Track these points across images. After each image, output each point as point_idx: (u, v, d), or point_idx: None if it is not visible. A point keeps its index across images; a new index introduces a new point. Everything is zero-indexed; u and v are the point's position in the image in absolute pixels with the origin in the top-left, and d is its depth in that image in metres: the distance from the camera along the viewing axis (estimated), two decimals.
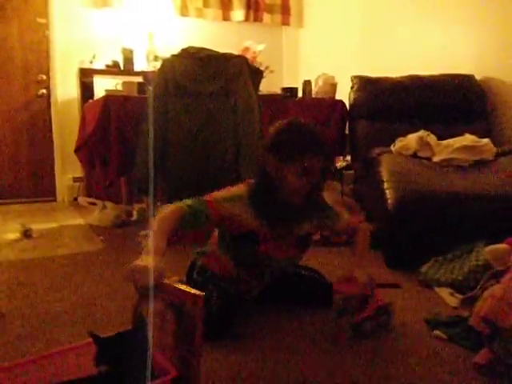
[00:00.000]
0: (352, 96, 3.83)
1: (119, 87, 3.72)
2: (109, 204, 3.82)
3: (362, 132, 3.72)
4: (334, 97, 3.90)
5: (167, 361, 1.24)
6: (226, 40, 4.84)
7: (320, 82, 3.93)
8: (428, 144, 2.99)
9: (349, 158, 4.43)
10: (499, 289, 1.43)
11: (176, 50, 3.38)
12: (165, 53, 4.85)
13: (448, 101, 3.51)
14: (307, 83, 3.91)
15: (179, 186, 2.97)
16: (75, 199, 4.85)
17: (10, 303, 2.06)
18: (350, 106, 3.84)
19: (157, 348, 1.26)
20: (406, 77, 3.72)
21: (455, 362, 1.54)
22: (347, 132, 3.88)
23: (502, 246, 2.12)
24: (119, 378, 1.14)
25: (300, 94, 3.91)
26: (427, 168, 2.77)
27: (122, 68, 4.83)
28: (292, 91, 3.81)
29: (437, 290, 2.18)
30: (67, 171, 4.92)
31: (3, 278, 2.41)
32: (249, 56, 3.53)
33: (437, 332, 1.72)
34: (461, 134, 3.13)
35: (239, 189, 1.76)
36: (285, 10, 5.75)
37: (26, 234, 3.27)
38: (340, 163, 4.60)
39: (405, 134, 3.29)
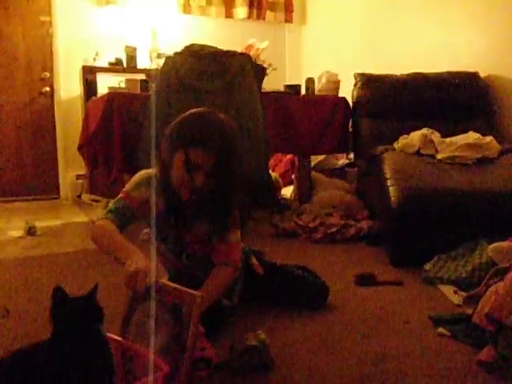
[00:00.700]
0: (355, 93, 3.83)
1: (122, 85, 3.72)
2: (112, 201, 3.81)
3: (365, 129, 3.71)
4: (337, 94, 3.89)
5: (160, 357, 1.24)
6: (229, 37, 4.84)
7: (323, 80, 3.92)
8: (431, 141, 2.99)
9: (351, 155, 4.43)
10: (503, 286, 1.43)
11: (179, 48, 3.37)
12: (168, 50, 4.85)
13: (452, 98, 3.50)
14: (310, 80, 3.90)
15: None
16: (78, 196, 4.85)
17: (15, 300, 2.06)
18: (353, 103, 3.83)
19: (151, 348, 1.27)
20: (410, 74, 3.71)
21: (459, 359, 1.54)
22: (350, 129, 3.86)
23: (506, 243, 2.12)
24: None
25: (303, 92, 3.90)
26: (431, 165, 2.77)
27: (125, 66, 4.83)
28: (295, 88, 3.80)
29: (440, 287, 2.18)
30: (70, 168, 4.93)
31: (8, 275, 2.42)
32: (252, 53, 3.52)
33: (440, 329, 1.72)
34: (464, 131, 3.13)
35: (147, 172, 1.70)
36: (287, 8, 5.75)
37: (30, 231, 3.27)
38: (342, 161, 4.61)
39: (408, 132, 3.29)
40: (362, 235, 3.05)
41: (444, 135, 3.10)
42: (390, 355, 1.58)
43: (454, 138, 2.97)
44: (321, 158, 4.36)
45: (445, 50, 3.94)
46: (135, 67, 4.83)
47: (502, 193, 2.48)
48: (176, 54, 3.17)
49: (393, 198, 2.52)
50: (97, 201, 4.18)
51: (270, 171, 3.83)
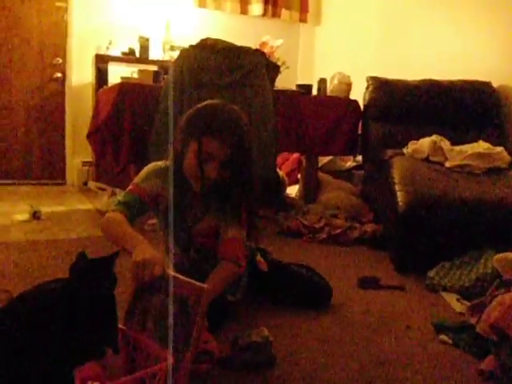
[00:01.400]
0: (367, 96, 3.82)
1: (135, 75, 3.72)
2: (118, 191, 3.83)
3: (374, 133, 3.70)
4: (348, 96, 3.88)
5: (163, 349, 1.24)
6: (243, 34, 4.83)
7: (335, 81, 3.91)
8: (441, 149, 2.98)
9: (359, 158, 4.43)
10: (509, 297, 1.43)
11: (192, 41, 3.37)
12: (181, 43, 4.86)
13: (463, 107, 3.49)
14: (322, 81, 3.89)
15: None
16: (84, 184, 4.86)
17: (19, 284, 2.07)
18: (364, 106, 3.83)
19: (155, 339, 1.28)
20: (422, 80, 3.71)
21: (460, 368, 1.55)
22: (359, 132, 3.86)
23: (511, 254, 2.12)
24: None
25: (315, 92, 3.90)
26: (439, 173, 2.76)
27: (137, 56, 4.83)
28: (307, 88, 3.80)
29: (443, 294, 2.18)
30: (77, 155, 4.94)
31: (12, 259, 2.42)
32: (266, 51, 3.51)
33: (442, 336, 1.72)
34: (474, 140, 3.13)
35: (156, 164, 1.71)
36: (303, 7, 5.73)
37: (35, 215, 3.28)
38: (350, 163, 4.61)
39: (418, 138, 3.28)
40: (365, 238, 3.05)
41: (454, 143, 3.10)
42: (391, 359, 1.58)
43: (463, 147, 2.97)
44: (328, 158, 4.36)
45: (459, 57, 3.93)
46: (148, 58, 4.83)
47: (510, 204, 2.47)
48: (191, 46, 3.17)
49: (400, 203, 2.52)
50: (103, 189, 4.18)
51: (277, 169, 3.82)
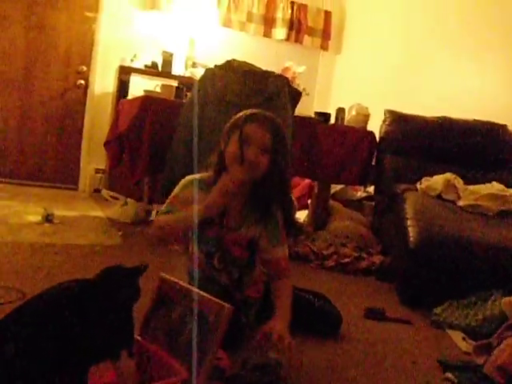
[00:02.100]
0: (383, 129, 3.87)
1: (157, 89, 3.79)
2: (130, 201, 3.87)
3: (388, 166, 3.74)
4: (365, 127, 3.93)
5: (178, 363, 1.27)
6: (265, 56, 4.92)
7: (353, 112, 3.96)
8: (454, 187, 3.01)
9: (369, 189, 4.46)
10: None
11: (215, 59, 3.44)
12: (203, 60, 4.96)
13: (478, 147, 3.54)
14: (341, 110, 3.95)
15: None
16: (96, 190, 4.91)
17: (30, 284, 2.09)
18: (380, 138, 3.87)
19: (168, 350, 1.30)
20: (439, 117, 3.76)
21: None
22: (373, 164, 3.90)
23: None
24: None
25: (332, 121, 3.95)
26: (452, 211, 2.79)
27: (159, 70, 4.92)
28: (325, 116, 3.85)
29: (449, 332, 2.19)
30: (92, 162, 5.00)
31: (24, 259, 2.46)
32: (288, 76, 3.57)
33: (448, 374, 1.73)
34: (488, 181, 3.16)
35: (193, 176, 1.78)
36: (325, 35, 5.83)
37: (48, 218, 3.31)
38: (360, 193, 4.64)
39: (431, 174, 3.32)
40: (373, 269, 3.06)
41: (467, 183, 3.13)
42: None
43: (477, 187, 3.00)
44: (340, 187, 4.39)
45: (477, 97, 3.99)
46: (170, 73, 4.92)
47: None
48: (216, 67, 3.23)
49: (411, 239, 2.54)
50: (116, 198, 4.22)
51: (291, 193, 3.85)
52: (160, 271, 1.49)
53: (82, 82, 4.89)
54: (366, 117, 3.98)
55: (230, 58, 3.27)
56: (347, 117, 3.99)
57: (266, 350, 1.50)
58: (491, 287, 2.36)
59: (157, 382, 1.23)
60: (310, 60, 5.76)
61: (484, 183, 3.13)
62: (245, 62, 3.26)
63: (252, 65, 3.25)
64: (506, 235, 2.56)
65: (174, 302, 1.33)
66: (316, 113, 3.92)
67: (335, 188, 4.31)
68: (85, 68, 4.88)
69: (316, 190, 4.00)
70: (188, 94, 3.52)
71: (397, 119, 3.83)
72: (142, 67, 4.90)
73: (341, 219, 3.74)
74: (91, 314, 1.16)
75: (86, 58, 4.88)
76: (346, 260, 3.06)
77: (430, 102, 4.34)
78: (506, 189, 2.99)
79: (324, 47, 5.87)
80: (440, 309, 2.32)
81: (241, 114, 1.73)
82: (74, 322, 1.14)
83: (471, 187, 3.01)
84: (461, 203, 2.91)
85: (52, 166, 4.93)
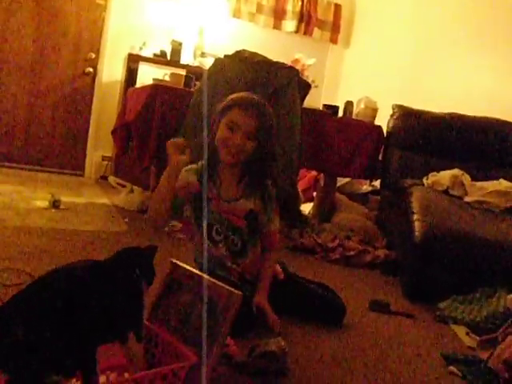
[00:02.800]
0: (391, 124, 3.87)
1: (166, 77, 3.79)
2: (136, 188, 3.88)
3: (395, 160, 3.75)
4: (373, 121, 3.92)
5: (187, 348, 1.27)
6: (274, 48, 4.89)
7: (362, 105, 3.96)
8: (461, 183, 3.02)
9: (375, 183, 4.46)
10: None
11: (224, 50, 3.43)
12: (212, 50, 4.95)
13: (487, 144, 3.53)
14: (349, 104, 3.95)
15: None
16: (101, 177, 4.93)
17: (38, 267, 2.11)
18: (388, 133, 3.87)
19: (177, 336, 1.31)
20: (448, 114, 3.75)
21: None
22: (380, 158, 3.89)
23: None
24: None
25: (340, 113, 3.95)
26: (458, 207, 2.80)
27: (168, 58, 4.92)
28: (333, 109, 3.85)
29: (453, 327, 2.20)
30: (98, 149, 5.01)
31: (32, 243, 2.47)
32: (298, 68, 3.57)
33: (452, 368, 1.74)
34: (496, 178, 3.16)
35: (191, 165, 1.89)
36: (335, 28, 5.81)
37: (55, 204, 3.33)
38: (366, 187, 4.64)
39: (438, 170, 3.33)
40: (377, 263, 3.07)
41: (474, 179, 3.13)
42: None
43: (484, 183, 3.00)
44: (346, 180, 4.39)
45: (488, 95, 3.97)
46: (178, 62, 4.92)
47: None
48: (226, 56, 3.24)
49: (417, 233, 2.55)
50: (122, 185, 4.23)
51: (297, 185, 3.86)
52: (167, 258, 1.51)
53: (91, 69, 4.89)
54: (375, 111, 3.97)
55: (239, 49, 3.28)
56: (355, 110, 3.98)
57: (267, 343, 1.52)
58: (496, 283, 2.36)
59: (165, 366, 1.24)
60: (318, 53, 5.73)
61: (491, 180, 3.12)
62: (255, 53, 3.27)
63: (262, 55, 3.25)
64: (510, 231, 2.56)
65: (183, 287, 1.34)
66: (324, 105, 3.92)
67: (341, 181, 4.32)
68: (93, 55, 4.88)
69: (322, 183, 4.00)
70: (197, 83, 3.52)
71: (405, 114, 3.83)
72: (151, 56, 4.90)
73: (346, 212, 3.75)
74: (102, 294, 1.17)
75: (95, 45, 4.89)
76: (351, 253, 3.07)
77: (440, 97, 4.32)
78: None
79: (333, 40, 5.86)
80: (444, 303, 2.33)
81: (230, 97, 1.85)
82: (84, 301, 1.15)
83: (478, 184, 3.01)
84: (468, 199, 2.91)
85: (59, 152, 4.95)
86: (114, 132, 3.92)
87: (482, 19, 4.21)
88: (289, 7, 5.54)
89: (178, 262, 1.43)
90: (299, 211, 3.82)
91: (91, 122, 4.98)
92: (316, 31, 5.70)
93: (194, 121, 3.05)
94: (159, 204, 1.74)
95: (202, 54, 5.09)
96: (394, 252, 3.12)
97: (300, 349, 1.74)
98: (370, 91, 4.41)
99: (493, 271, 2.44)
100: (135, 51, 4.84)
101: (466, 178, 3.07)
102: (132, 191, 3.87)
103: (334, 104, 4.03)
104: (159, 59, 4.89)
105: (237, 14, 5.36)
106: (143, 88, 3.65)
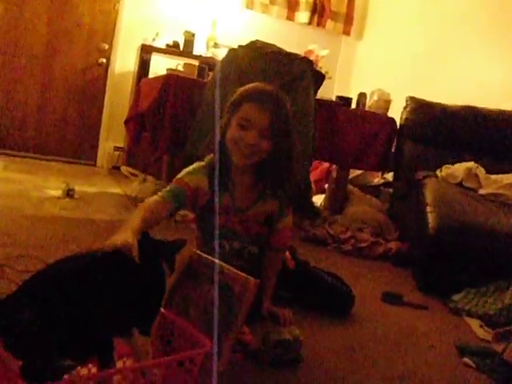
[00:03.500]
0: (404, 116, 3.84)
1: (179, 67, 3.79)
2: (149, 178, 3.90)
3: (408, 153, 3.73)
4: (386, 113, 3.90)
5: (202, 335, 1.27)
6: (287, 40, 4.85)
7: (375, 97, 3.93)
8: (476, 176, 2.99)
9: (387, 175, 4.44)
10: None
11: (237, 41, 3.41)
12: (225, 41, 4.93)
13: (502, 137, 3.50)
14: (362, 95, 3.93)
15: None
16: (114, 167, 4.95)
17: (52, 254, 2.11)
18: (401, 125, 3.85)
19: (193, 322, 1.31)
20: (463, 106, 3.72)
21: None
22: (393, 150, 3.88)
23: None
24: None
25: (353, 105, 3.93)
26: (472, 199, 2.78)
27: (181, 49, 4.91)
28: (346, 101, 3.83)
29: (466, 319, 2.20)
30: (110, 140, 5.03)
31: (46, 232, 2.49)
32: (312, 59, 3.55)
33: (466, 359, 1.74)
34: (510, 171, 3.13)
35: (198, 163, 1.73)
36: (348, 20, 5.77)
37: (69, 193, 3.34)
38: (377, 179, 4.62)
39: (451, 162, 3.30)
40: (390, 255, 3.07)
41: (488, 172, 3.11)
42: (414, 375, 1.61)
43: (499, 176, 2.98)
44: (358, 172, 4.37)
45: (503, 87, 3.93)
46: (191, 52, 4.91)
47: None
48: (240, 47, 3.22)
49: (430, 225, 2.54)
50: (135, 175, 4.25)
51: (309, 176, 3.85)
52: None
53: (104, 60, 4.90)
54: (388, 103, 3.95)
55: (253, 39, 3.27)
56: (368, 102, 3.96)
57: (281, 332, 1.52)
58: (510, 276, 2.35)
59: (181, 353, 1.24)
60: (331, 45, 5.67)
61: (506, 173, 3.10)
62: (269, 43, 3.26)
63: (277, 46, 3.24)
64: None
65: (200, 275, 1.34)
66: (337, 97, 3.90)
67: (353, 173, 4.30)
68: (106, 46, 4.88)
69: (334, 175, 4.00)
70: (210, 73, 3.52)
71: (419, 106, 3.80)
72: (164, 46, 4.89)
73: (358, 204, 3.74)
74: (122, 283, 1.15)
75: (109, 36, 4.89)
76: (363, 245, 3.06)
77: (454, 90, 4.28)
78: None
79: (346, 32, 5.81)
80: (458, 296, 2.33)
81: (241, 90, 1.69)
82: (101, 289, 1.14)
83: (493, 176, 2.99)
84: (482, 192, 2.89)
85: (71, 141, 4.97)
86: (126, 122, 3.93)
87: (497, 10, 4.16)
88: None
89: (194, 250, 1.43)
90: (311, 202, 3.81)
91: (104, 112, 4.99)
92: (329, 23, 5.66)
93: (208, 112, 3.05)
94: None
95: (215, 45, 5.07)
96: (406, 244, 3.11)
97: (312, 338, 1.74)
98: (383, 83, 4.38)
99: (507, 264, 2.42)
100: (148, 42, 4.83)
101: (481, 171, 3.05)
102: (145, 180, 3.88)
103: (347, 96, 4.01)
104: (172, 50, 4.89)
105: (250, 4, 5.34)
106: (157, 78, 3.66)
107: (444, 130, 3.67)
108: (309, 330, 1.81)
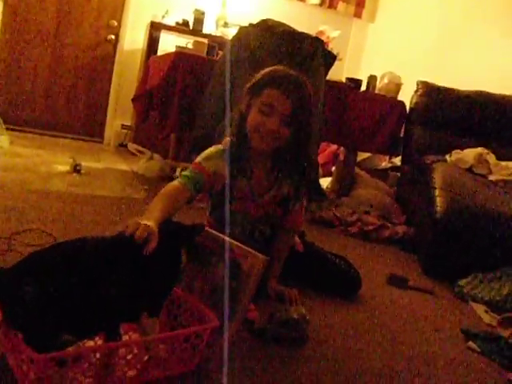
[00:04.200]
0: (414, 100, 3.81)
1: (189, 45, 3.76)
2: (156, 156, 3.89)
3: (417, 137, 3.71)
4: (396, 97, 3.87)
5: (209, 310, 1.28)
6: (298, 20, 4.76)
7: (385, 80, 3.90)
8: (486, 162, 2.97)
9: (394, 159, 4.42)
10: None
11: (247, 21, 3.37)
12: (235, 21, 4.88)
13: None
14: (373, 78, 3.89)
15: None
16: (121, 145, 4.94)
17: (61, 230, 2.13)
18: (410, 109, 3.82)
19: (201, 298, 1.32)
20: (473, 91, 3.68)
21: (486, 375, 1.57)
22: (402, 134, 3.85)
23: None
24: None
25: (363, 88, 3.89)
26: (482, 185, 2.76)
27: (190, 28, 4.87)
28: (356, 83, 3.79)
29: (472, 304, 2.19)
30: (118, 117, 5.02)
31: (55, 207, 2.49)
32: (323, 40, 3.51)
33: (471, 343, 1.74)
34: None
35: (217, 146, 1.72)
36: (360, 2, 5.71)
37: (76, 168, 3.34)
38: (385, 163, 4.60)
39: (460, 147, 3.29)
40: (396, 239, 3.06)
41: (499, 158, 3.08)
42: (418, 356, 1.61)
43: (510, 163, 2.96)
44: (366, 155, 4.36)
45: None
46: (201, 31, 4.87)
47: None
48: (250, 25, 3.19)
49: (438, 209, 2.53)
50: (142, 152, 4.24)
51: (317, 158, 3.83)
52: None
53: (113, 36, 4.87)
54: (398, 86, 3.91)
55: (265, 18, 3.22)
56: (379, 85, 3.93)
57: (287, 310, 1.52)
58: None
59: (188, 328, 1.24)
60: (342, 27, 5.59)
61: None
62: (280, 22, 3.22)
63: (288, 26, 3.20)
64: None
65: (209, 251, 1.34)
66: (347, 78, 3.86)
67: (361, 156, 4.28)
68: (115, 23, 4.84)
69: (342, 157, 3.98)
70: (220, 52, 3.48)
71: (429, 91, 3.77)
72: (173, 24, 4.85)
73: (365, 187, 3.72)
74: (134, 266, 1.15)
75: (118, 12, 4.85)
76: (370, 227, 3.05)
77: (465, 75, 4.24)
78: None
79: (358, 15, 5.75)
80: (464, 281, 2.32)
81: (262, 73, 1.65)
82: (110, 270, 1.12)
83: (503, 163, 2.97)
84: (492, 178, 2.87)
85: (79, 118, 4.96)
86: (134, 99, 3.92)
87: None
88: None
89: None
90: (318, 184, 3.80)
91: (111, 89, 4.98)
92: (341, 5, 5.61)
93: (218, 91, 3.03)
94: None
95: (225, 24, 5.03)
96: (413, 229, 3.10)
97: (318, 318, 1.74)
98: (393, 66, 4.34)
99: None
100: (157, 19, 4.80)
101: (491, 157, 3.02)
102: (152, 158, 3.88)
103: (357, 78, 3.97)
104: (181, 28, 4.85)
105: None
106: (166, 55, 3.63)
107: (454, 115, 3.64)
108: (315, 310, 1.81)
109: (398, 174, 4.04)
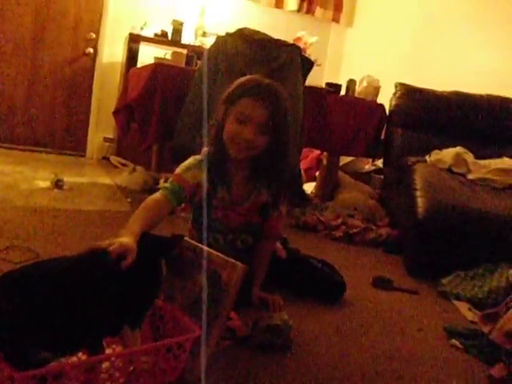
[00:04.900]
0: (393, 102, 3.85)
1: (168, 56, 3.77)
2: (139, 168, 3.88)
3: (397, 139, 3.74)
4: (375, 100, 3.91)
5: (191, 320, 1.28)
6: (276, 27, 4.84)
7: (364, 83, 3.94)
8: (464, 161, 3.01)
9: (378, 162, 4.46)
10: None
11: (225, 29, 3.39)
12: (214, 30, 4.90)
13: (490, 122, 3.52)
14: (352, 82, 3.93)
15: None
16: (103, 158, 4.93)
17: (44, 246, 2.12)
18: (390, 111, 3.86)
19: (182, 308, 1.32)
20: (451, 92, 3.73)
21: (468, 371, 1.59)
22: (383, 136, 3.89)
23: None
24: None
25: (343, 92, 3.93)
26: (461, 184, 2.80)
27: (169, 38, 4.87)
28: (336, 87, 3.83)
29: (455, 302, 2.21)
30: (99, 130, 5.00)
31: (36, 223, 2.47)
32: (300, 46, 3.54)
33: (453, 341, 1.76)
34: (499, 156, 3.15)
35: (195, 157, 1.73)
36: (337, 7, 5.74)
37: (58, 184, 3.32)
38: (368, 166, 4.63)
39: (440, 148, 3.32)
40: (380, 241, 3.08)
41: (478, 157, 3.12)
42: (402, 356, 1.63)
43: (487, 161, 3.00)
44: (349, 159, 4.39)
45: (492, 73, 3.94)
46: (179, 41, 4.86)
47: None
48: (227, 34, 3.20)
49: (420, 209, 2.55)
50: (125, 165, 4.23)
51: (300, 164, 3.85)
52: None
53: (91, 50, 4.86)
54: (377, 89, 3.95)
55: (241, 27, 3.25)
56: (358, 88, 3.97)
57: (270, 317, 1.53)
58: (499, 259, 2.37)
59: (169, 339, 1.25)
60: (321, 32, 5.65)
61: (494, 158, 3.12)
62: (257, 31, 3.24)
63: (264, 33, 3.23)
64: None
65: (189, 262, 1.34)
66: (327, 83, 3.90)
67: (344, 160, 4.32)
68: (94, 35, 4.84)
69: (325, 162, 4.00)
70: (198, 61, 3.50)
71: (407, 92, 3.81)
72: (152, 36, 4.85)
73: (349, 191, 3.75)
74: (118, 279, 1.16)
75: (96, 25, 4.84)
76: (354, 231, 3.07)
77: (443, 76, 4.29)
78: None
79: (336, 19, 5.79)
80: (447, 280, 2.34)
81: (237, 82, 1.67)
82: (90, 291, 1.13)
83: (482, 162, 3.01)
84: (471, 176, 2.91)
85: (60, 133, 4.93)
86: (115, 112, 3.91)
87: None
88: None
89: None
90: (302, 190, 3.82)
91: (92, 102, 4.96)
92: (318, 10, 5.64)
93: (197, 101, 3.04)
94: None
95: (204, 34, 5.04)
96: (397, 230, 3.12)
97: (302, 323, 1.76)
98: (372, 70, 4.38)
99: (496, 247, 2.44)
100: (136, 31, 4.79)
101: (469, 156, 3.06)
102: (134, 170, 3.87)
103: (336, 82, 4.01)
104: (160, 39, 4.85)
105: None
106: (145, 67, 3.64)
107: (433, 116, 3.68)
108: (299, 315, 1.82)
109: (382, 177, 4.08)
